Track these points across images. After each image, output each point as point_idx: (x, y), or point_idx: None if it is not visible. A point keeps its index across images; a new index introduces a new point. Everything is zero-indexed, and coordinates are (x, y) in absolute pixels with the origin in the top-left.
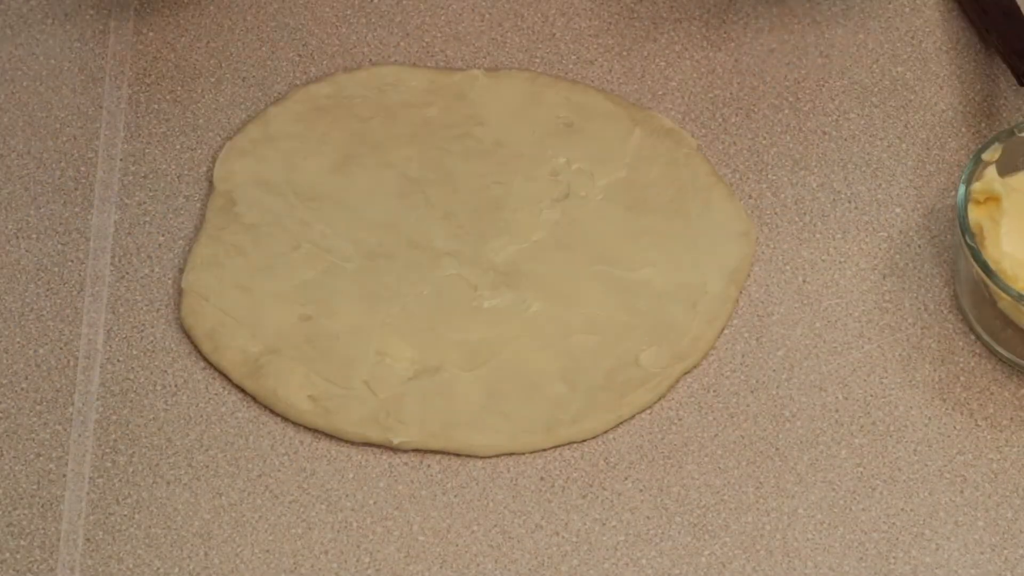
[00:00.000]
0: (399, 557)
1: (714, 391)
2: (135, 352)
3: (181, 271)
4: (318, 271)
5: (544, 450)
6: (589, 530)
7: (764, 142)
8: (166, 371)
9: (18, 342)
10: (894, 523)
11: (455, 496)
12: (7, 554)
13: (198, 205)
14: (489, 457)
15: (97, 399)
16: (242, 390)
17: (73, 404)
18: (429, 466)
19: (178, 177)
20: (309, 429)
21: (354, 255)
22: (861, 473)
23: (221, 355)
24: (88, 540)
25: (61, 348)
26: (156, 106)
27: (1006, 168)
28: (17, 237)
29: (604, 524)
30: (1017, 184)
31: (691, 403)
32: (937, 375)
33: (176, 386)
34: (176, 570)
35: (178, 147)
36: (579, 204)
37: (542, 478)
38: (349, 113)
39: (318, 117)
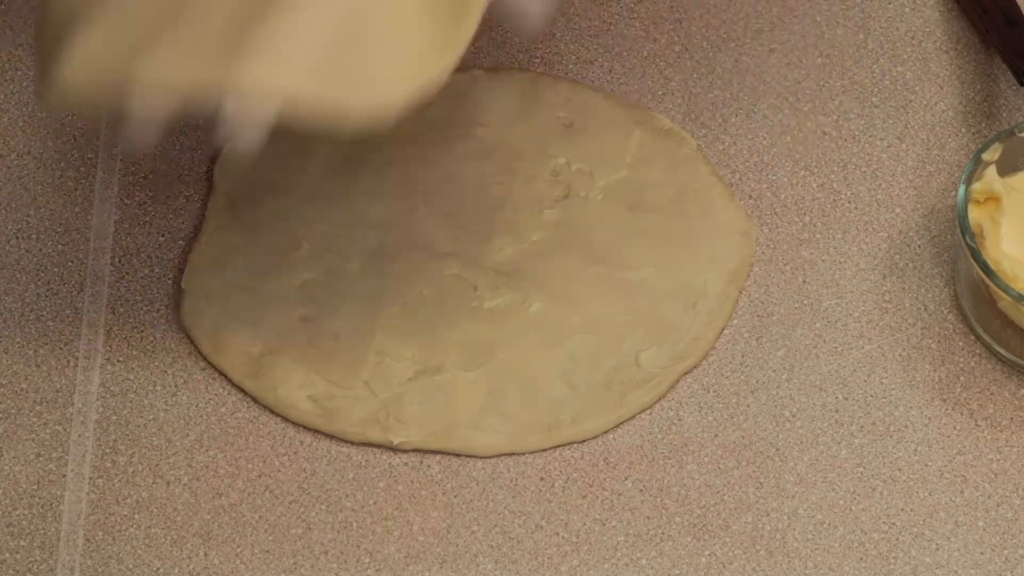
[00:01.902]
0: (399, 557)
1: (714, 391)
2: (135, 352)
3: (181, 271)
4: (319, 271)
5: (544, 450)
6: (589, 530)
7: (764, 142)
8: (166, 371)
9: (18, 342)
10: (894, 523)
11: (455, 496)
12: (7, 554)
13: (198, 205)
14: (489, 457)
15: (97, 399)
16: (242, 390)
17: (73, 404)
18: (429, 466)
19: (178, 177)
20: (309, 429)
21: (355, 255)
22: (861, 473)
23: (221, 355)
24: (88, 540)
25: (61, 348)
26: None
27: (1006, 168)
28: (17, 237)
29: (604, 524)
30: (1017, 184)
31: (691, 403)
32: (937, 375)
33: (176, 386)
34: (176, 570)
35: (178, 147)
36: (579, 204)
37: (542, 478)
38: None
39: None
